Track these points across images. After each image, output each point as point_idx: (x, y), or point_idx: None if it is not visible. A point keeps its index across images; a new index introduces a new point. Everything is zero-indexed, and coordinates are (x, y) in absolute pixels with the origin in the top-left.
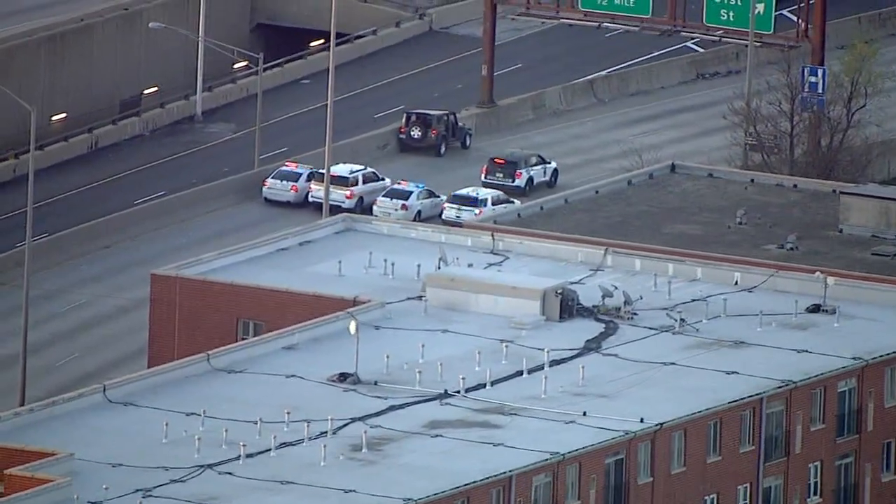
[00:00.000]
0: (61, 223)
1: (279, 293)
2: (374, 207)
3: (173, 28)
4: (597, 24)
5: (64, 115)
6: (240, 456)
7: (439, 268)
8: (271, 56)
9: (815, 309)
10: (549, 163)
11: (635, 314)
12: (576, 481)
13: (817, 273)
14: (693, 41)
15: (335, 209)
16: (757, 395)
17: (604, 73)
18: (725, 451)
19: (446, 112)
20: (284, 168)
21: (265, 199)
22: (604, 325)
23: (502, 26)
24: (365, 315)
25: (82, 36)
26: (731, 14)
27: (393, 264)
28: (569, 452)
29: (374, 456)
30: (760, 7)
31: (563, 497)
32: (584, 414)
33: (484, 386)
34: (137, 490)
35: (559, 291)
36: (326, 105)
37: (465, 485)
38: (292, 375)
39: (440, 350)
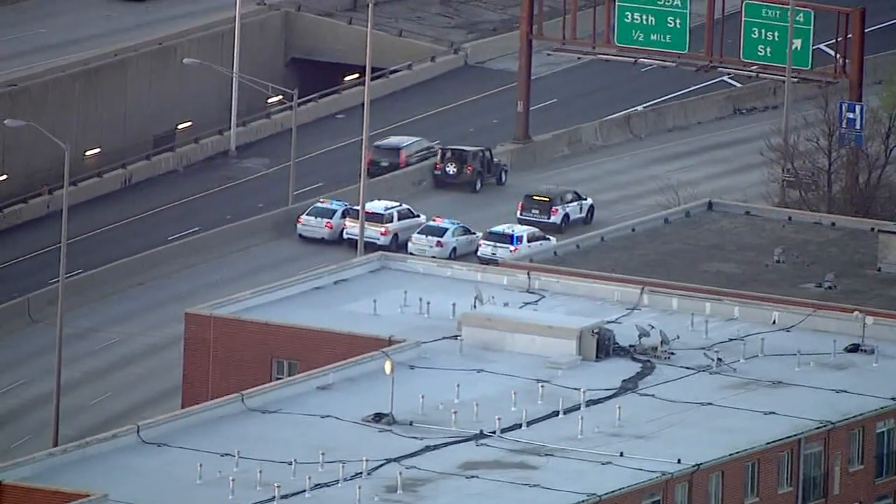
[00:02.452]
0: (95, 260)
1: (314, 332)
2: (409, 244)
3: (208, 64)
4: (633, 59)
5: (98, 150)
6: (274, 497)
7: (475, 307)
8: (305, 91)
9: (854, 349)
10: (585, 199)
11: (672, 354)
12: None
13: (856, 312)
14: (730, 76)
15: (370, 246)
16: (795, 435)
17: (640, 108)
18: (763, 493)
19: (482, 148)
20: (319, 205)
21: (299, 235)
22: (640, 365)
23: (538, 60)
24: (400, 354)
25: (116, 71)
26: (769, 49)
27: (428, 303)
28: (605, 494)
29: (410, 497)
30: (798, 43)
31: None
32: (621, 455)
33: (520, 426)
34: None
35: (596, 331)
36: (361, 140)
37: None
38: (327, 416)
39: (476, 390)
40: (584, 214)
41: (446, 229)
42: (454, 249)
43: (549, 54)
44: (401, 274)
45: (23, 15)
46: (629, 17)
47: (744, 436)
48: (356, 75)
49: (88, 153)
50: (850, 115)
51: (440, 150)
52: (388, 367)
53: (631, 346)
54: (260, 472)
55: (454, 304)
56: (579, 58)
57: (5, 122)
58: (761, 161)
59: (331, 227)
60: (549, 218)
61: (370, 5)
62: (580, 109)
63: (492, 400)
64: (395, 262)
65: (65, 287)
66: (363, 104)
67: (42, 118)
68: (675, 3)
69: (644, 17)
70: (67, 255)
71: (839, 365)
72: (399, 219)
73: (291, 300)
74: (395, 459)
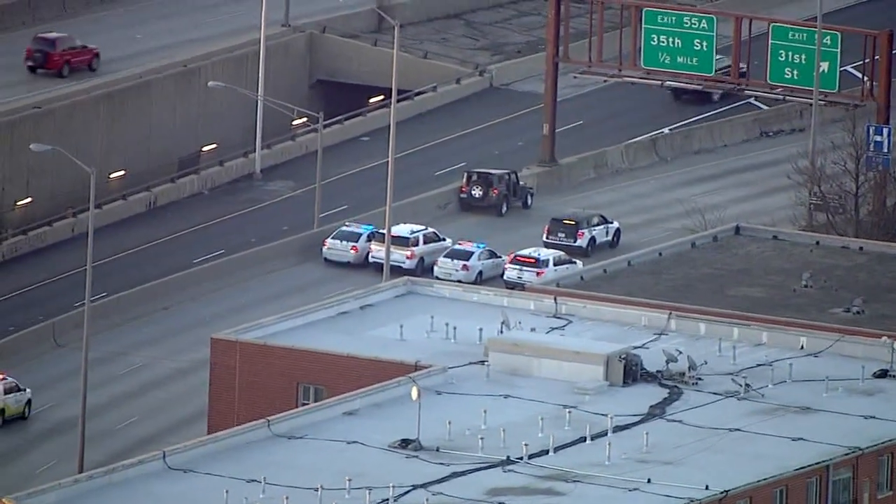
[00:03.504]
0: (120, 283)
1: (340, 358)
2: (435, 268)
3: (232, 87)
4: (660, 82)
5: (122, 172)
6: None
7: (502, 332)
8: (330, 112)
9: (883, 374)
10: (612, 222)
11: (700, 379)
12: None
13: (884, 338)
14: (756, 98)
15: (396, 270)
16: (823, 462)
17: (666, 130)
18: None
19: (507, 171)
20: (345, 228)
21: (325, 259)
22: (668, 391)
23: (563, 82)
24: (427, 380)
25: (141, 93)
26: (796, 72)
27: (455, 328)
28: None
29: None
30: (825, 65)
31: None
32: (649, 481)
33: (547, 452)
34: None
35: (623, 356)
36: (386, 162)
37: None
38: (353, 441)
39: (503, 416)
40: (610, 238)
41: (472, 253)
42: (480, 273)
43: (575, 77)
44: (427, 299)
45: None
46: (655, 39)
47: (772, 462)
48: (381, 97)
49: (113, 176)
50: (878, 138)
51: (466, 174)
52: (414, 392)
53: (658, 371)
54: (286, 498)
55: (481, 329)
56: (605, 80)
57: (31, 146)
58: (788, 184)
59: (356, 251)
60: (575, 241)
61: (395, 28)
62: (606, 132)
63: (519, 426)
64: (422, 287)
65: (90, 311)
66: (388, 126)
67: (66, 141)
68: (701, 25)
69: (670, 39)
70: (92, 279)
71: (867, 391)
72: (425, 242)
73: (317, 325)
74: (421, 486)
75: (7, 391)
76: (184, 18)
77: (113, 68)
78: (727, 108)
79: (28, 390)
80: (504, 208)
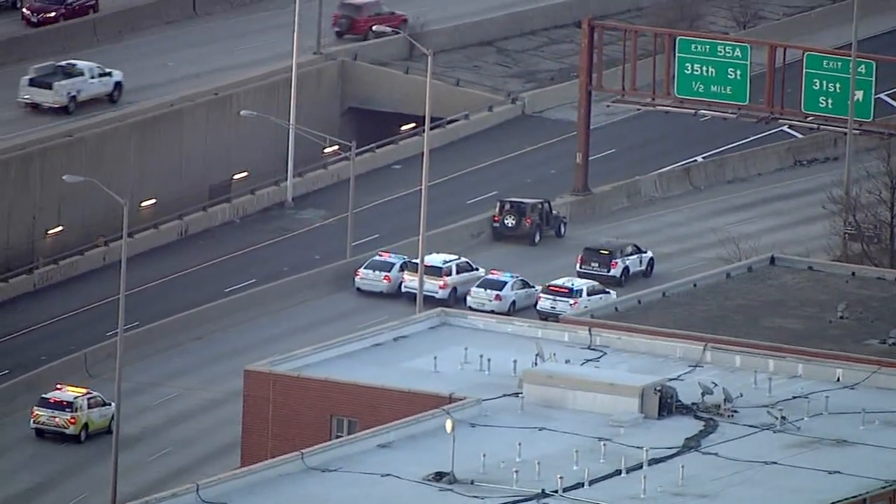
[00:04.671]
0: (152, 313)
1: (373, 390)
2: (468, 298)
3: (265, 116)
4: (693, 111)
5: (153, 200)
6: None
7: (536, 364)
8: (362, 140)
9: None
10: (645, 252)
11: (735, 412)
12: None
13: None
14: (790, 126)
15: (428, 300)
16: (860, 495)
17: (699, 159)
18: None
19: (541, 200)
20: (377, 258)
21: (357, 289)
22: (703, 423)
23: (595, 110)
24: (461, 412)
25: (172, 121)
26: (830, 101)
27: (489, 360)
28: None
29: None
30: (859, 94)
31: None
32: None
33: (582, 485)
34: None
35: (658, 388)
36: (417, 191)
37: None
38: (387, 474)
39: (537, 448)
40: (643, 267)
41: (505, 282)
42: (513, 303)
43: (608, 106)
44: (461, 330)
45: None
46: (689, 68)
47: (808, 495)
48: (412, 125)
49: (144, 204)
50: None
51: (499, 203)
52: (448, 425)
53: (694, 403)
54: None
55: (515, 361)
56: (639, 109)
57: (64, 177)
58: (822, 213)
59: (389, 281)
60: (608, 271)
61: (429, 57)
62: (638, 160)
63: (553, 458)
64: (456, 319)
65: (123, 342)
66: (420, 154)
67: (98, 169)
68: (735, 54)
69: (704, 68)
70: (125, 309)
71: None
72: (458, 272)
73: (351, 357)
74: None
75: (91, 406)
76: (215, 46)
77: (144, 96)
78: (760, 135)
79: (112, 405)
80: (537, 237)
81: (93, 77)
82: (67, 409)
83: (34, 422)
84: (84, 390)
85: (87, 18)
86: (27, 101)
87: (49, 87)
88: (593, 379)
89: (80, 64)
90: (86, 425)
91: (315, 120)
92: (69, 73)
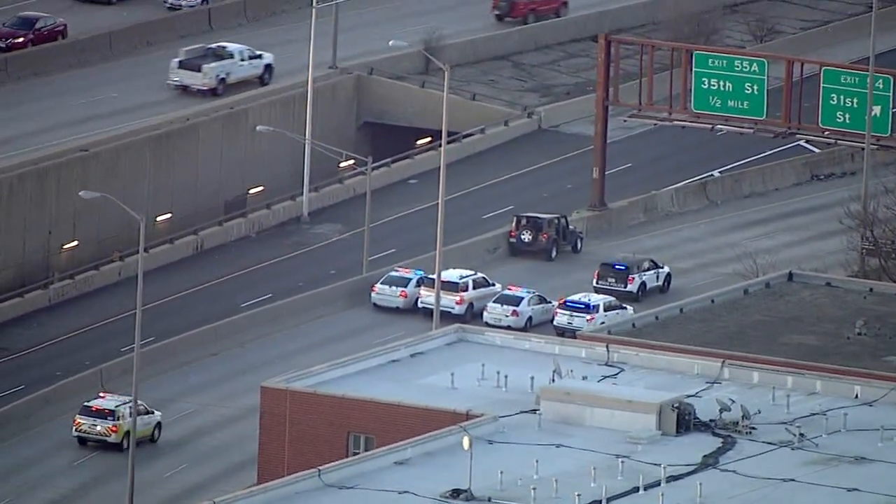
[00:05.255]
0: (167, 328)
1: (390, 406)
2: (485, 314)
3: (280, 131)
4: (710, 125)
5: (169, 215)
6: None
7: (553, 380)
8: (378, 155)
9: None
10: (662, 267)
11: (753, 428)
12: None
13: None
14: (807, 140)
15: (445, 315)
16: None
17: (716, 173)
18: None
19: (557, 215)
20: (394, 273)
21: (374, 304)
22: (721, 440)
23: (611, 124)
24: (478, 429)
25: (188, 135)
26: (847, 116)
27: (506, 377)
28: None
29: None
30: (877, 109)
31: None
32: None
33: (600, 502)
34: None
35: (676, 405)
36: (433, 205)
37: None
38: (405, 491)
39: (555, 465)
40: (660, 283)
41: (522, 298)
42: (530, 318)
43: (625, 121)
44: (478, 346)
45: (95, 79)
46: (706, 83)
47: None
48: (428, 139)
49: (160, 219)
50: None
51: (515, 218)
52: (465, 442)
53: (711, 420)
54: None
55: (532, 378)
56: (655, 123)
57: (80, 193)
58: (840, 228)
59: (405, 296)
60: (625, 287)
61: (446, 72)
62: (655, 175)
63: (571, 475)
64: (473, 335)
65: (140, 358)
66: (437, 168)
67: (113, 184)
68: (752, 69)
69: (721, 83)
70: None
71: None
72: (474, 287)
73: (368, 373)
74: None
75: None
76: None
77: (161, 110)
78: (777, 150)
79: (157, 413)
80: (553, 253)
81: (242, 60)
82: (109, 418)
83: (76, 430)
84: (127, 398)
85: (101, 33)
86: (177, 83)
87: (198, 69)
88: (611, 396)
89: (231, 46)
90: (128, 433)
91: (331, 134)
92: (219, 55)
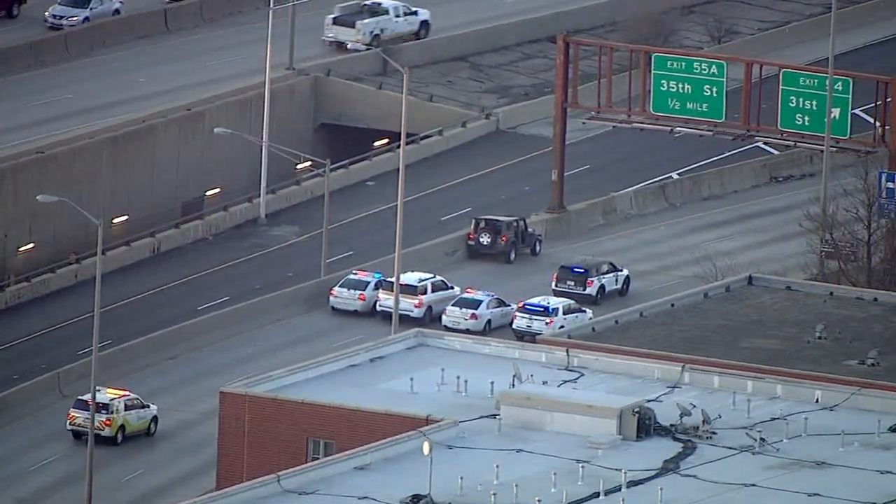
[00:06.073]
0: (125, 331)
1: (350, 411)
2: (444, 317)
3: (238, 133)
4: (669, 128)
5: (125, 217)
6: None
7: (514, 385)
8: (335, 156)
9: None
10: (621, 270)
11: (714, 433)
12: None
13: None
14: (766, 142)
15: (404, 318)
16: None
17: (675, 175)
18: None
19: (516, 218)
20: (352, 276)
21: (332, 307)
22: (682, 445)
23: (570, 126)
24: (438, 434)
25: (144, 137)
26: (807, 119)
27: (466, 381)
28: None
29: None
30: (836, 111)
31: None
32: None
33: None
34: None
35: (636, 410)
36: (391, 207)
37: None
38: (364, 497)
39: (515, 470)
40: (619, 286)
41: (481, 301)
42: (489, 322)
43: (583, 123)
44: (438, 351)
45: (51, 80)
46: (665, 85)
47: None
48: (386, 140)
49: (116, 221)
50: (890, 186)
51: (474, 220)
52: (426, 447)
53: (672, 425)
54: None
55: (492, 383)
56: (614, 126)
57: (38, 197)
58: (799, 231)
59: (364, 300)
60: (584, 290)
61: (405, 74)
62: (613, 176)
63: (531, 481)
64: (432, 339)
65: (97, 362)
66: (394, 170)
67: (70, 186)
68: (711, 71)
69: (680, 85)
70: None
71: (884, 445)
72: (433, 291)
73: (327, 378)
74: None
75: (128, 408)
76: (188, 62)
77: (117, 112)
78: (736, 151)
79: (153, 406)
80: (512, 256)
81: (398, 16)
82: (103, 411)
83: (70, 423)
84: (122, 392)
85: (58, 34)
86: (331, 39)
87: (352, 25)
88: (571, 400)
89: (386, 2)
90: (122, 427)
91: (288, 136)
92: (374, 11)
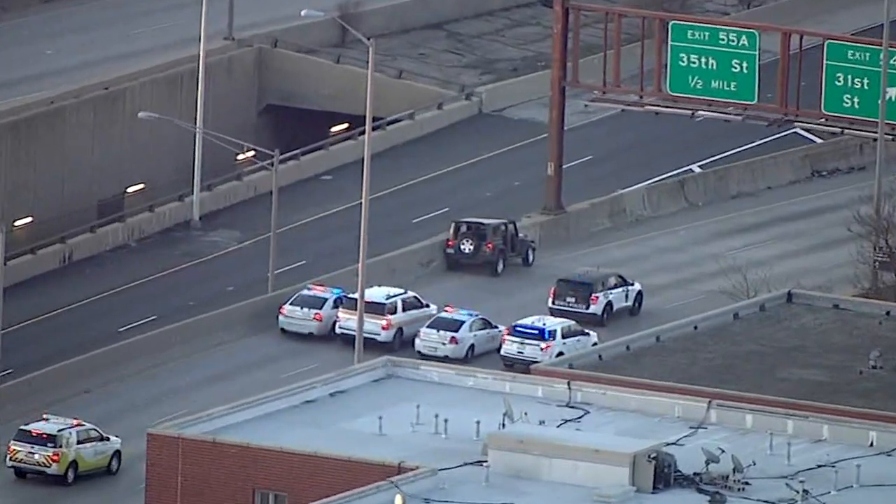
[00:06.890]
0: (29, 358)
1: (306, 458)
2: (417, 341)
3: (166, 118)
4: (689, 111)
5: (30, 219)
6: None
7: (504, 425)
8: (284, 145)
9: None
10: (632, 284)
11: (747, 484)
12: None
13: None
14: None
15: (369, 343)
16: None
17: (696, 168)
18: None
19: (504, 221)
20: (306, 292)
21: (282, 329)
22: (708, 498)
23: (570, 108)
24: (412, 485)
25: (52, 122)
26: (856, 100)
27: (446, 421)
28: None
29: None
30: (892, 92)
31: None
32: None
33: None
34: None
35: (652, 455)
36: (353, 206)
37: None
38: None
39: None
40: (630, 303)
41: (462, 322)
42: (472, 347)
43: (585, 105)
44: (412, 383)
45: None
46: (685, 59)
47: None
48: (345, 126)
49: (18, 223)
50: None
51: (453, 224)
52: (398, 500)
53: (696, 474)
54: None
55: (478, 422)
56: (622, 108)
57: None
58: (847, 236)
59: (320, 320)
60: (587, 307)
61: (371, 47)
62: (622, 170)
63: None
64: (405, 369)
65: None
66: (356, 162)
67: None
68: (741, 42)
69: (703, 59)
70: None
71: None
72: (404, 309)
73: (278, 417)
74: None
75: (82, 440)
76: (106, 31)
77: (18, 91)
78: (771, 138)
79: (115, 439)
80: (500, 266)
81: None
82: (49, 444)
83: (10, 459)
84: (74, 421)
85: None
86: None
87: None
88: (574, 444)
89: None
90: (74, 463)
91: (227, 120)
92: None
